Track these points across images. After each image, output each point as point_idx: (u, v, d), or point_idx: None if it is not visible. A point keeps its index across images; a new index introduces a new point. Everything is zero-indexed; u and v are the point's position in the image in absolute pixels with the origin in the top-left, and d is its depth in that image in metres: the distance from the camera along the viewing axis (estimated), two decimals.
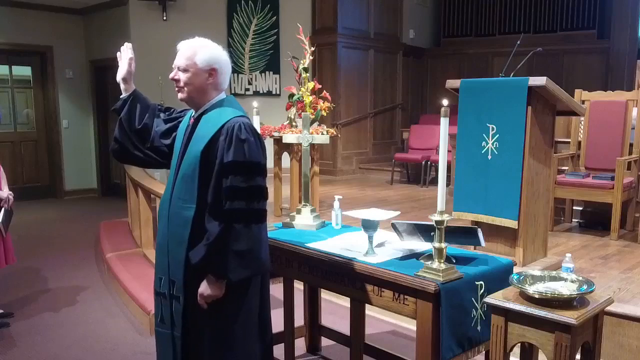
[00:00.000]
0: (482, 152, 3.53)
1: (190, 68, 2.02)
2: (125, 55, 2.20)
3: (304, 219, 2.83)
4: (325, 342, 3.29)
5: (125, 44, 2.21)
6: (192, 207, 1.99)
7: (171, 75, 2.06)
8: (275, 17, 8.77)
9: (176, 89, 2.06)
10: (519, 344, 1.99)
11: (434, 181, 6.97)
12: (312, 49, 5.34)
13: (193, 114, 2.15)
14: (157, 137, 2.23)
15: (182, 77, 2.03)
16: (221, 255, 1.91)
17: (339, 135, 7.66)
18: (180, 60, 2.03)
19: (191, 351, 2.08)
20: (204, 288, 1.97)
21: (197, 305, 2.00)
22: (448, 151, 2.29)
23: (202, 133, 2.03)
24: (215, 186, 1.95)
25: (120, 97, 2.23)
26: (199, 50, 2.04)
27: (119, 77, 2.21)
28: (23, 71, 8.94)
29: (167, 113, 2.31)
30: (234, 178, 1.92)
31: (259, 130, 2.57)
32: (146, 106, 2.24)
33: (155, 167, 2.34)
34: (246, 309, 2.07)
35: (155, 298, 2.17)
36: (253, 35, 8.80)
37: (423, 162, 7.69)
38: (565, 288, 1.93)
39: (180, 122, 2.23)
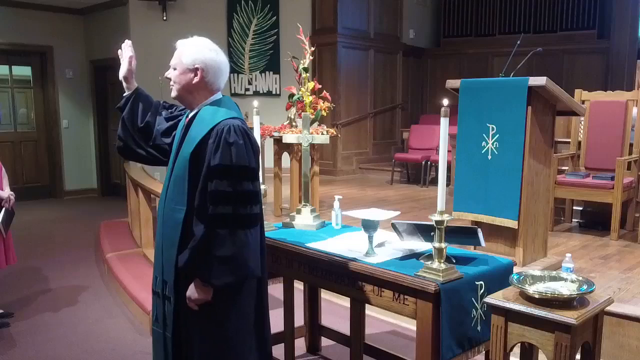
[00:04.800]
0: (482, 152, 3.53)
1: (178, 66, 2.03)
2: (125, 53, 2.19)
3: (304, 219, 2.83)
4: (325, 342, 3.29)
5: (126, 41, 2.20)
6: (182, 209, 1.98)
7: (165, 74, 2.07)
8: (275, 17, 8.77)
9: (169, 87, 2.07)
10: (519, 344, 1.99)
11: (434, 181, 6.96)
12: (312, 49, 5.34)
13: (189, 113, 2.15)
14: (158, 135, 2.23)
15: (172, 75, 2.04)
16: (205, 260, 1.88)
17: (339, 135, 7.66)
18: (172, 59, 2.05)
19: (182, 352, 2.06)
20: (191, 292, 1.95)
21: (186, 306, 1.99)
22: (448, 151, 2.29)
23: (193, 134, 2.01)
24: (201, 190, 1.92)
25: (123, 95, 2.23)
26: (186, 49, 2.03)
27: (121, 75, 2.21)
28: (23, 71, 8.94)
29: (169, 111, 2.30)
30: (219, 182, 1.89)
31: (258, 131, 2.58)
32: (149, 104, 2.24)
33: (159, 165, 2.33)
34: (239, 313, 2.03)
35: (152, 297, 2.17)
36: (253, 35, 8.81)
37: (423, 162, 7.69)
38: (565, 288, 1.93)
39: (180, 120, 2.22)
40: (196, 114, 2.08)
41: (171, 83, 2.05)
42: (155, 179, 5.30)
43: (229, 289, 1.95)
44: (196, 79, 2.02)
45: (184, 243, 1.96)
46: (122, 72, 2.20)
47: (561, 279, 2.00)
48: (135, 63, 2.20)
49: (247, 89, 8.87)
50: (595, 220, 5.09)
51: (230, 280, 1.91)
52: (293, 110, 5.33)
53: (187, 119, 2.12)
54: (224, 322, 2.01)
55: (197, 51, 2.01)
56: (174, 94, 2.07)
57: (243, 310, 2.06)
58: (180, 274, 1.99)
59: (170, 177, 2.07)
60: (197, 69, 2.01)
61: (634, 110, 4.93)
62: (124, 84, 2.21)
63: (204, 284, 1.92)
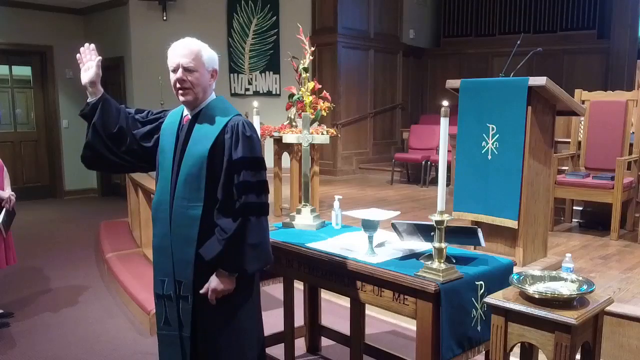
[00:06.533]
0: (482, 152, 3.53)
1: (199, 69, 2.03)
2: (91, 57, 2.14)
3: (304, 219, 2.83)
4: (325, 342, 3.29)
5: (87, 44, 2.16)
6: (199, 205, 2.01)
7: (178, 76, 2.02)
8: (275, 17, 8.76)
9: (180, 90, 2.03)
10: (519, 344, 1.99)
11: (434, 181, 6.97)
12: (312, 49, 5.33)
13: (185, 113, 2.14)
14: (135, 140, 2.20)
15: (190, 77, 2.02)
16: (238, 249, 1.96)
17: (339, 135, 7.66)
18: (185, 60, 2.00)
19: (201, 349, 2.09)
20: (216, 283, 2.00)
21: (207, 302, 2.02)
22: (448, 151, 2.29)
23: (204, 132, 2.04)
24: (225, 183, 1.99)
25: (88, 101, 2.17)
26: (203, 51, 2.05)
27: (87, 80, 2.13)
28: (23, 71, 8.94)
29: (141, 115, 2.27)
30: (245, 173, 1.98)
31: (258, 131, 2.59)
32: (117, 109, 2.20)
33: (129, 172, 2.33)
34: (249, 303, 2.13)
35: (157, 301, 2.17)
36: (253, 35, 8.80)
37: (423, 162, 7.69)
38: (565, 288, 1.93)
39: (161, 123, 2.21)
40: (198, 113, 2.10)
41: (187, 85, 2.02)
42: (154, 179, 5.30)
43: (245, 279, 2.05)
44: (212, 80, 2.11)
45: (202, 239, 2.01)
46: (88, 76, 2.13)
47: (561, 279, 2.00)
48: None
49: (247, 89, 8.86)
50: (595, 220, 5.09)
51: (259, 266, 2.06)
52: (293, 110, 5.33)
53: (186, 118, 2.13)
54: (239, 312, 2.09)
55: (211, 54, 2.09)
56: (189, 97, 2.04)
57: (253, 300, 2.15)
58: (198, 272, 2.02)
59: (177, 177, 2.07)
60: (215, 70, 2.11)
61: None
62: (89, 89, 2.15)
63: (230, 274, 2.00)
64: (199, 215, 2.01)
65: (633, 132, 4.90)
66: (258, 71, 8.88)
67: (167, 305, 2.11)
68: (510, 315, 1.89)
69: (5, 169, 3.89)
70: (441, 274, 1.98)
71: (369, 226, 2.30)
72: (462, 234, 2.33)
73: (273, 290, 3.53)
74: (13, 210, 3.85)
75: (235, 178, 1.98)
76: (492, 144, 3.49)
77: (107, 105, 2.17)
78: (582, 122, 5.17)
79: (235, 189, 1.97)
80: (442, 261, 2.02)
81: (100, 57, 2.16)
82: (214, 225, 1.98)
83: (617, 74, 8.50)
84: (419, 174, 7.85)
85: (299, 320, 3.16)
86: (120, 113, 2.20)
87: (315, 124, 5.21)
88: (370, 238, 2.31)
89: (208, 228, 1.99)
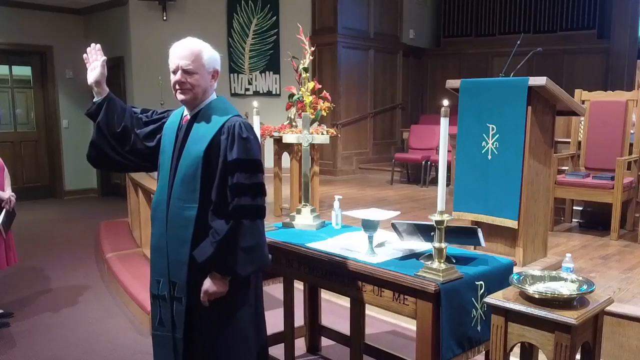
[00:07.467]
0: (482, 152, 3.53)
1: (199, 70, 2.02)
2: (97, 57, 2.14)
3: (304, 219, 2.83)
4: (325, 342, 3.29)
5: (92, 45, 2.16)
6: (194, 206, 2.00)
7: (177, 78, 2.02)
8: (275, 17, 8.77)
9: (179, 90, 2.04)
10: (519, 344, 1.99)
11: (434, 181, 6.97)
12: (312, 49, 5.34)
13: (184, 113, 2.14)
14: (139, 139, 2.21)
15: (189, 79, 2.02)
16: (230, 252, 1.94)
17: (339, 135, 7.66)
18: (184, 62, 2.01)
19: (197, 350, 2.08)
20: (208, 285, 1.99)
21: (200, 304, 2.01)
22: (448, 151, 2.29)
23: (201, 133, 2.04)
24: (219, 184, 1.97)
25: (94, 101, 2.17)
26: (204, 52, 2.04)
27: (92, 79, 2.13)
28: (23, 71, 8.95)
29: (146, 115, 2.28)
30: (239, 175, 1.95)
31: (258, 131, 2.59)
32: (123, 109, 2.20)
33: (133, 171, 2.32)
34: (246, 304, 2.11)
35: (153, 301, 2.17)
36: (253, 35, 8.81)
37: (423, 162, 7.69)
38: (565, 288, 1.93)
39: (164, 122, 2.21)
40: (197, 113, 2.09)
41: (186, 87, 2.02)
42: (155, 179, 5.30)
43: (239, 281, 2.02)
44: (212, 81, 2.10)
45: (196, 240, 1.99)
46: (94, 76, 2.13)
47: (561, 279, 2.00)
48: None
49: (247, 89, 8.87)
50: (595, 220, 5.09)
51: (253, 269, 2.02)
52: (293, 110, 5.33)
53: (185, 118, 2.13)
54: (235, 314, 2.07)
55: (213, 53, 2.08)
56: (187, 97, 2.04)
57: (249, 301, 2.12)
58: (192, 273, 2.01)
59: (174, 177, 2.07)
60: (216, 71, 2.09)
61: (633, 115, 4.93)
62: (94, 89, 2.15)
63: (223, 277, 1.98)
64: (193, 216, 2.00)
65: (633, 132, 4.91)
66: (258, 71, 8.88)
67: (162, 306, 2.11)
68: (510, 315, 1.89)
69: (5, 169, 3.89)
70: (441, 274, 1.98)
71: (369, 226, 2.29)
72: (462, 234, 2.33)
73: (273, 290, 3.53)
74: (13, 210, 3.85)
75: (229, 180, 1.96)
76: (492, 144, 3.49)
77: (112, 104, 2.17)
78: (582, 122, 5.17)
79: (229, 191, 1.95)
80: (442, 261, 2.02)
81: (105, 57, 2.16)
82: (209, 226, 1.97)
83: (617, 74, 8.50)
84: (419, 174, 7.85)
85: (299, 320, 3.17)
86: (125, 112, 2.21)
87: (315, 124, 5.21)
88: (370, 238, 2.31)
89: (203, 229, 1.98)
